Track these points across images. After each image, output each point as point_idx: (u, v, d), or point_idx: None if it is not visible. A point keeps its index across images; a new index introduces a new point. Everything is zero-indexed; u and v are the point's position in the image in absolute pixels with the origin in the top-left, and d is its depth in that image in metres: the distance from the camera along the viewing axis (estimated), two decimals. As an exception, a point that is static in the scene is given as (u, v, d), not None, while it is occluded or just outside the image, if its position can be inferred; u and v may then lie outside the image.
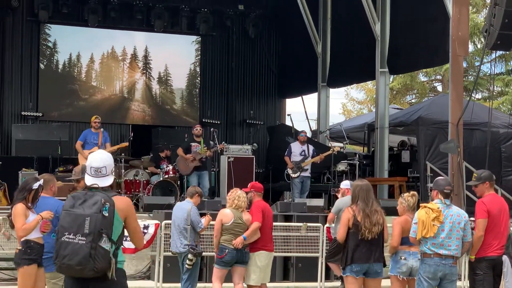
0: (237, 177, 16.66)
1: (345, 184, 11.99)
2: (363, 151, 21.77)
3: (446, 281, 8.03)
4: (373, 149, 19.30)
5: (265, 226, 10.05)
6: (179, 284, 10.76)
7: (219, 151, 17.42)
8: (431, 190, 8.45)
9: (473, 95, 29.32)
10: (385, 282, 8.81)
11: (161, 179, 16.68)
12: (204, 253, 11.07)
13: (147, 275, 13.38)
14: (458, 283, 10.75)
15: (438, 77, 34.88)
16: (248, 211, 10.04)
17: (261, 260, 10.01)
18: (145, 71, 21.91)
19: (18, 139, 18.95)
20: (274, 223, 11.54)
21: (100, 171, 5.56)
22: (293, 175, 16.71)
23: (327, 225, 12.66)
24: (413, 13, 17.25)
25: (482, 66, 31.19)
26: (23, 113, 20.45)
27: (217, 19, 22.23)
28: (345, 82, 23.19)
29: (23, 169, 16.10)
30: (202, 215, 10.95)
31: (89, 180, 5.56)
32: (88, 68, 21.37)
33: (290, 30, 22.59)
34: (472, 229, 8.23)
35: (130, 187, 16.74)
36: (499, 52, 25.15)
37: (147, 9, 21.36)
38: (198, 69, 22.53)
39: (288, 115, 20.45)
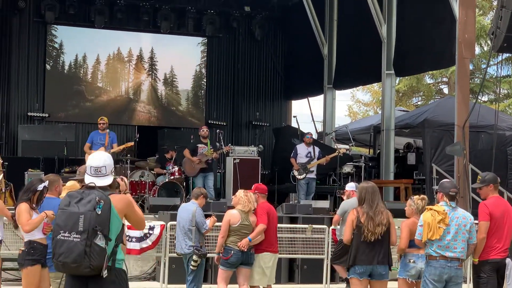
0: (242, 179, 16.65)
1: (351, 186, 11.98)
2: (369, 153, 21.75)
3: (452, 283, 8.02)
4: (379, 151, 19.28)
5: (270, 227, 10.05)
6: (184, 285, 10.76)
7: (225, 153, 17.43)
8: (437, 192, 8.44)
9: (479, 97, 29.24)
10: (391, 284, 8.80)
11: (167, 180, 16.69)
12: (209, 255, 11.07)
13: (152, 276, 13.39)
14: (464, 285, 10.73)
15: (444, 79, 34.82)
16: (253, 213, 10.04)
17: (265, 262, 10.00)
18: (151, 73, 21.94)
19: (24, 140, 19.01)
20: (280, 225, 11.55)
21: (99, 171, 5.60)
22: (298, 177, 16.71)
23: (332, 227, 12.66)
24: (420, 15, 17.23)
25: (488, 68, 31.11)
26: (29, 114, 20.51)
27: (223, 20, 22.25)
28: (351, 84, 23.18)
29: (29, 169, 16.13)
30: (207, 216, 10.95)
31: (87, 179, 5.61)
32: (94, 69, 21.41)
33: (296, 32, 22.59)
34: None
35: (135, 188, 16.75)
36: (505, 55, 25.05)
37: (154, 10, 21.40)
38: (203, 70, 22.54)
39: (294, 116, 20.45)
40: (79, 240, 5.29)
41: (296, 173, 16.74)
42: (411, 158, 18.98)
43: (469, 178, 14.72)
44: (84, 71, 21.40)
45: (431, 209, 8.03)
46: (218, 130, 17.64)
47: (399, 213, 11.57)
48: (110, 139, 16.21)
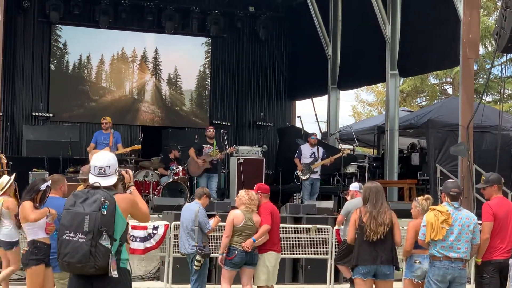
0: (246, 179, 16.65)
1: (354, 186, 11.98)
2: (373, 154, 21.74)
3: (456, 284, 8.00)
4: (383, 151, 19.28)
5: (273, 227, 10.04)
6: (188, 285, 10.77)
7: (229, 153, 17.44)
8: (441, 192, 8.44)
9: (483, 97, 29.21)
10: (396, 285, 8.79)
11: (171, 180, 16.71)
12: (213, 254, 11.07)
13: (156, 276, 13.40)
14: (468, 286, 10.73)
15: (449, 79, 34.80)
16: (256, 213, 10.04)
17: (270, 261, 10.00)
18: (154, 73, 21.96)
19: (29, 140, 19.04)
20: (284, 225, 11.55)
21: (103, 171, 5.61)
22: (302, 177, 16.72)
23: (336, 227, 12.66)
24: (424, 16, 17.23)
25: (492, 68, 31.08)
26: (34, 113, 20.55)
27: (227, 20, 22.27)
28: (355, 84, 23.19)
29: (34, 169, 16.16)
30: (211, 216, 10.96)
31: (92, 179, 5.62)
32: (98, 69, 21.45)
33: (301, 32, 22.59)
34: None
35: (140, 188, 16.76)
36: (510, 55, 25.01)
37: (158, 10, 21.42)
38: (207, 70, 22.56)
39: (298, 117, 20.47)
40: (84, 240, 5.31)
41: (300, 173, 16.74)
42: (415, 159, 18.97)
43: (473, 178, 14.71)
44: (88, 71, 21.43)
45: (434, 209, 8.03)
46: (222, 130, 17.68)
47: (403, 214, 11.59)
48: (114, 139, 16.22)
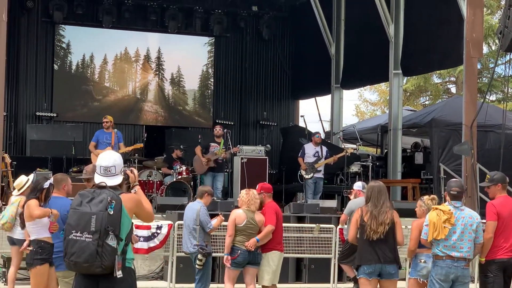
0: (250, 178, 16.65)
1: (358, 185, 11.98)
2: (376, 153, 21.74)
3: (459, 283, 8.00)
4: (386, 150, 19.27)
5: (277, 227, 10.05)
6: (191, 285, 10.78)
7: (232, 153, 17.45)
8: (445, 192, 8.44)
9: (487, 97, 29.21)
10: (400, 284, 8.79)
11: (174, 179, 16.73)
12: (216, 254, 11.07)
13: (160, 276, 13.41)
14: (471, 285, 10.72)
15: (452, 78, 34.75)
16: (259, 212, 10.04)
17: (274, 260, 10.01)
18: (158, 72, 21.97)
19: (33, 139, 19.07)
20: (287, 224, 11.55)
21: (109, 170, 5.63)
22: (306, 176, 16.72)
23: (339, 226, 12.65)
24: (427, 15, 17.22)
25: (496, 68, 31.03)
26: (37, 113, 20.58)
27: (231, 20, 22.27)
28: (358, 84, 23.19)
29: (38, 169, 16.13)
30: (214, 215, 10.95)
31: (97, 179, 5.63)
32: (102, 69, 21.46)
33: (304, 32, 22.58)
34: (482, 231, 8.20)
35: (143, 187, 16.77)
36: (513, 54, 25.03)
37: (161, 10, 21.43)
38: (210, 70, 22.56)
39: (302, 116, 20.47)
40: (91, 240, 5.33)
41: (303, 172, 16.74)
42: (419, 158, 18.96)
43: (477, 177, 14.69)
44: (91, 71, 21.45)
45: (436, 208, 8.03)
46: (225, 130, 17.66)
47: (407, 213, 11.60)
48: (116, 138, 16.22)
